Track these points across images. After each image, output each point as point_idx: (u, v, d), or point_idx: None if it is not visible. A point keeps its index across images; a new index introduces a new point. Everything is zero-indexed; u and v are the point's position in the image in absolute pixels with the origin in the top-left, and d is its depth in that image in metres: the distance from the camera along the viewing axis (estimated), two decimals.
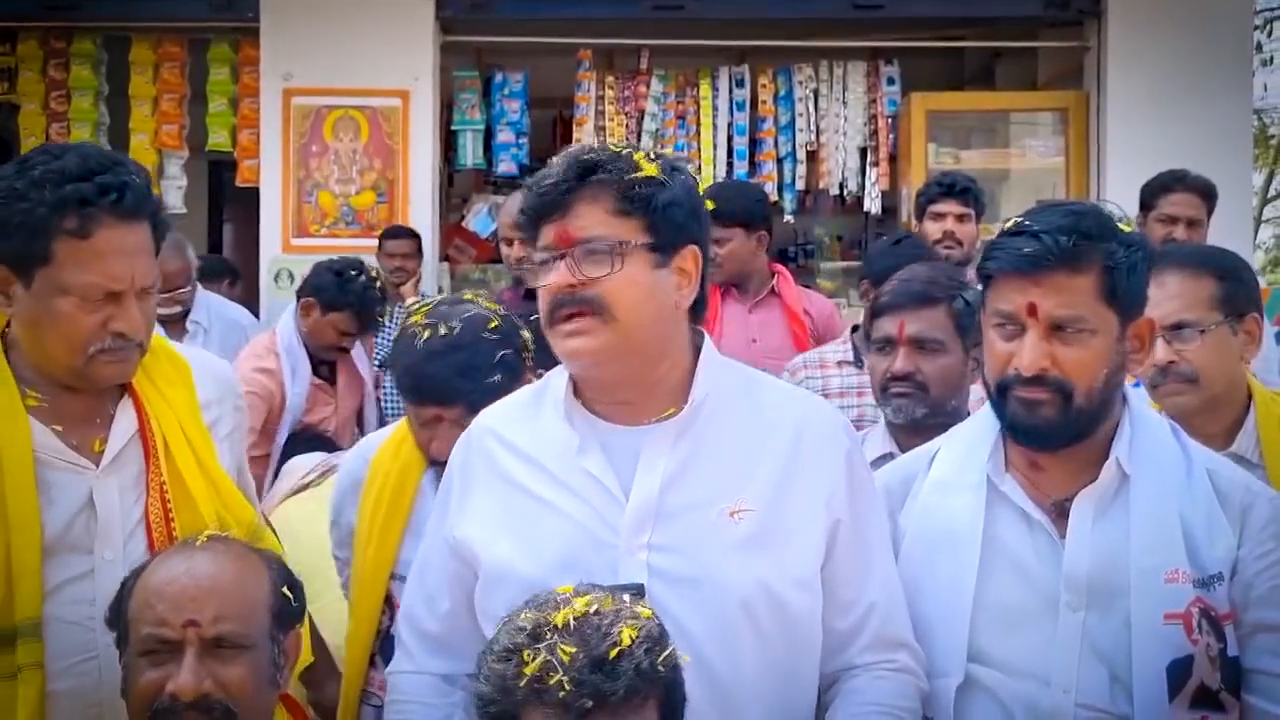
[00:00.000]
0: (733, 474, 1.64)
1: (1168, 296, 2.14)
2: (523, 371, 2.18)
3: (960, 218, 3.99)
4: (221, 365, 2.08)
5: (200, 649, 1.59)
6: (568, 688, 1.36)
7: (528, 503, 1.67)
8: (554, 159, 1.66)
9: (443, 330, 2.14)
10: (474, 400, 2.02)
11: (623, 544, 1.60)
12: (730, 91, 6.26)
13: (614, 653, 1.38)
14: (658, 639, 1.42)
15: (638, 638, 1.40)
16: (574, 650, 1.38)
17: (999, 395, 1.74)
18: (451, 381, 2.09)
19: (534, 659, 1.39)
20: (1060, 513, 1.74)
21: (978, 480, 1.78)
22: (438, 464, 2.17)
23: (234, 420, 1.98)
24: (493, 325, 2.17)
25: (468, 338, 2.13)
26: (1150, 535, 1.68)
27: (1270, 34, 12.63)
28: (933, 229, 3.98)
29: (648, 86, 6.22)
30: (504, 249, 4.26)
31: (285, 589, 1.71)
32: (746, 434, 1.67)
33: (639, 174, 1.61)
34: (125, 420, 1.83)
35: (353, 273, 4.05)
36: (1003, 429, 1.78)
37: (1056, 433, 1.71)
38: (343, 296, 3.99)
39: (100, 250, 1.71)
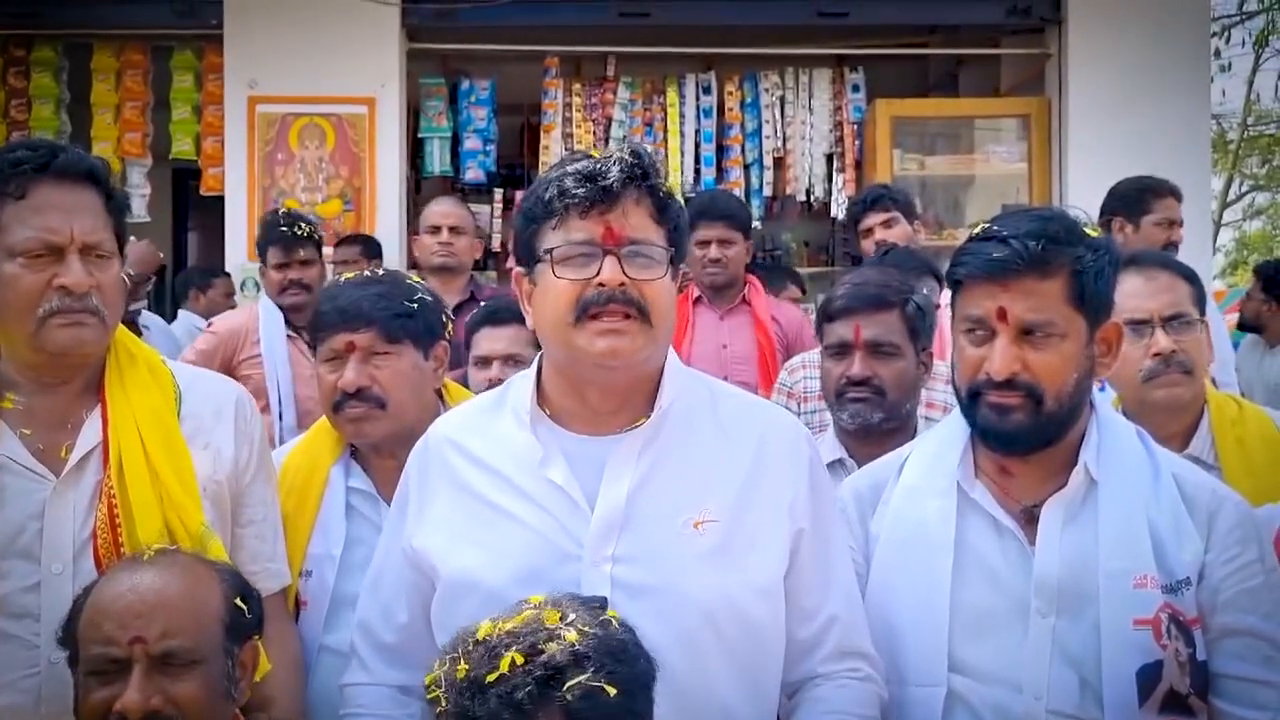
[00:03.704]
0: (697, 484, 1.64)
1: (1161, 289, 2.19)
2: (440, 330, 2.22)
3: (885, 224, 4.11)
4: (225, 385, 2.03)
5: (148, 665, 1.56)
6: (444, 705, 1.37)
7: (489, 513, 1.65)
8: (591, 151, 1.65)
9: (366, 274, 2.29)
10: (389, 327, 2.11)
11: (587, 555, 1.59)
12: (697, 98, 6.27)
13: (491, 677, 1.34)
14: (564, 666, 1.34)
15: (524, 664, 1.33)
16: (467, 669, 1.36)
17: (970, 401, 1.75)
18: (367, 301, 2.14)
19: (438, 669, 1.39)
20: (1029, 519, 1.75)
21: (947, 486, 1.79)
22: (353, 448, 2.19)
23: (224, 437, 1.91)
24: (415, 280, 2.28)
25: (389, 277, 2.27)
26: (1119, 541, 1.69)
27: (1228, 40, 12.81)
28: (867, 245, 4.11)
29: (615, 93, 6.23)
30: (426, 239, 4.32)
31: (239, 600, 1.68)
32: (709, 444, 1.67)
33: (667, 186, 1.64)
34: (92, 429, 1.81)
35: (269, 217, 4.35)
36: (972, 435, 1.79)
37: (1028, 437, 1.72)
38: (264, 238, 4.20)
39: (37, 206, 1.75)
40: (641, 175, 1.60)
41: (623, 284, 1.57)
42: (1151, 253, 2.40)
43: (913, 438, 2.21)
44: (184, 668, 1.58)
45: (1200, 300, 2.27)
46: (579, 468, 1.63)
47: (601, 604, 1.50)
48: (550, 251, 1.60)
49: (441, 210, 4.39)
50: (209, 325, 4.25)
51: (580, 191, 1.58)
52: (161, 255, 4.96)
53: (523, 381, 1.73)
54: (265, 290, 4.26)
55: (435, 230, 4.28)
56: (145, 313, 4.72)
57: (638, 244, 1.59)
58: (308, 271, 4.12)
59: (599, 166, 1.59)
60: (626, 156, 1.61)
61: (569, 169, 1.61)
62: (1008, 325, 1.68)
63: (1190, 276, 2.28)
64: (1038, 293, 1.68)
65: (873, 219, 4.12)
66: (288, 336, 4.07)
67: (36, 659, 1.72)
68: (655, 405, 1.65)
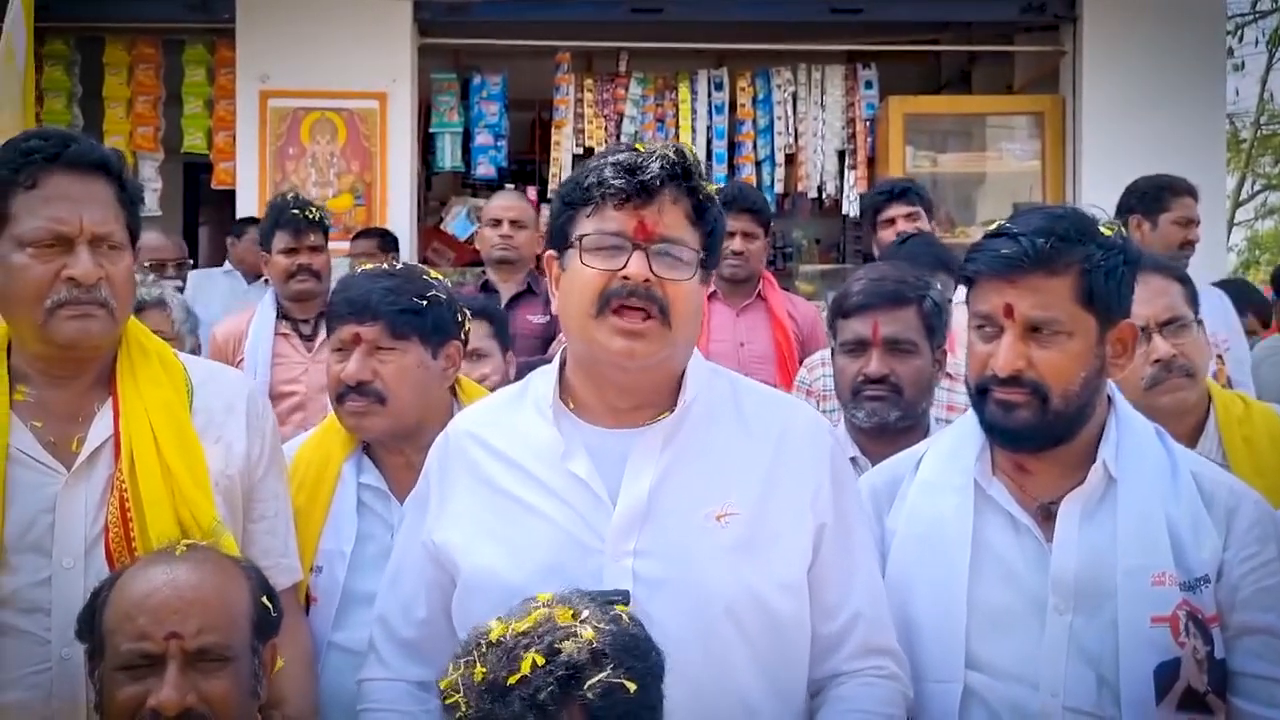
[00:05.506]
0: (718, 478, 1.63)
1: (1155, 294, 2.17)
2: (454, 329, 2.20)
3: (909, 217, 4.05)
4: (237, 379, 2.02)
5: (183, 662, 1.55)
6: (465, 709, 1.36)
7: (510, 507, 1.65)
8: (636, 145, 1.63)
9: (385, 267, 2.26)
10: (395, 323, 2.09)
11: (609, 549, 1.58)
12: (709, 94, 6.27)
13: (512, 679, 1.33)
14: (583, 665, 1.34)
15: (545, 664, 1.33)
16: (485, 672, 1.35)
17: (979, 396, 1.74)
18: (376, 294, 2.12)
19: (453, 673, 1.38)
20: (1047, 515, 1.74)
21: (964, 483, 1.78)
22: (363, 446, 2.17)
23: (236, 432, 1.90)
24: (433, 276, 2.25)
25: (404, 272, 2.23)
26: (1137, 538, 1.68)
27: (1241, 39, 12.79)
28: (886, 236, 4.04)
29: (626, 89, 6.23)
30: (487, 231, 4.26)
31: (265, 599, 1.68)
32: (731, 438, 1.67)
33: (708, 189, 1.63)
34: (103, 422, 1.80)
35: (277, 200, 4.19)
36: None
37: (1033, 435, 1.71)
38: (271, 222, 4.06)
39: (47, 196, 1.74)
40: (683, 174, 1.60)
41: (648, 280, 1.56)
42: (1145, 256, 2.38)
43: (926, 437, 2.20)
44: (217, 665, 1.57)
45: (1193, 299, 2.25)
46: (601, 461, 1.62)
47: (624, 597, 1.50)
48: (581, 238, 1.59)
49: (503, 204, 4.35)
50: (213, 334, 4.15)
51: (618, 182, 1.57)
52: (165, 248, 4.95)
53: (544, 374, 1.72)
54: (270, 278, 4.13)
55: (496, 223, 4.24)
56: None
57: (669, 242, 1.58)
58: (317, 258, 4.00)
59: (640, 160, 1.58)
60: (670, 154, 1.60)
61: (610, 159, 1.61)
62: (1014, 322, 1.68)
63: (1182, 277, 2.26)
64: (1045, 290, 1.67)
65: (896, 210, 4.04)
66: (281, 334, 3.97)
67: (47, 654, 1.71)
68: (679, 400, 1.65)
